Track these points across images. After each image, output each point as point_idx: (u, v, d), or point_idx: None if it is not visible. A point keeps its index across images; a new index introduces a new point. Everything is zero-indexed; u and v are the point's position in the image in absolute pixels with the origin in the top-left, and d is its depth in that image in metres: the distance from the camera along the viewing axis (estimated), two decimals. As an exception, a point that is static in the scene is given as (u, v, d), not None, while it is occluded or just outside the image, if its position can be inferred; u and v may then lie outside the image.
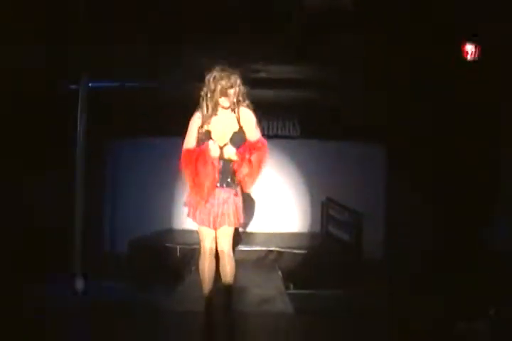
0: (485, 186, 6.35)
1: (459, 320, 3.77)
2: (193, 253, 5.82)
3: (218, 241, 3.48)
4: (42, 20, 4.79)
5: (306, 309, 4.19)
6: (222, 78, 3.26)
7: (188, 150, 3.37)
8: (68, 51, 5.34)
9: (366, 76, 6.03)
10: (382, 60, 5.53)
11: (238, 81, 3.31)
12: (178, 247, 5.84)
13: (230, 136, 3.36)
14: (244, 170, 3.32)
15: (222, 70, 3.29)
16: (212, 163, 3.29)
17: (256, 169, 3.38)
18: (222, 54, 5.14)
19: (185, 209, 3.49)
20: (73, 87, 5.80)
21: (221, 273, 3.52)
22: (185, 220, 7.58)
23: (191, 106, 3.48)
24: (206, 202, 3.32)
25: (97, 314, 3.97)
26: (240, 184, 3.42)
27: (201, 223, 3.41)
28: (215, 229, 3.41)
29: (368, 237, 6.85)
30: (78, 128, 5.26)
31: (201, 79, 3.39)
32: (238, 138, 3.36)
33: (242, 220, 3.48)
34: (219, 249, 3.49)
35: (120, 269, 5.97)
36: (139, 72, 6.15)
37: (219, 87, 3.25)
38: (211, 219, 3.36)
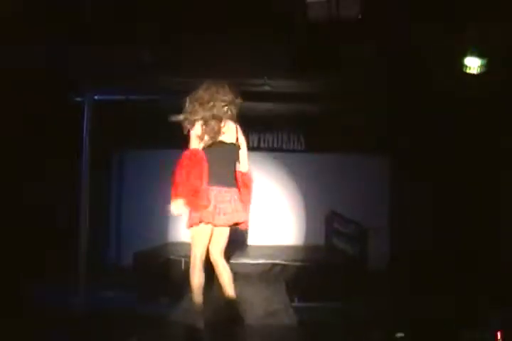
0: (489, 198, 6.33)
1: (464, 330, 3.75)
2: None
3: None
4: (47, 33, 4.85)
5: (311, 322, 4.17)
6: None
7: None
8: (74, 64, 5.40)
9: (370, 89, 6.06)
10: (385, 73, 5.56)
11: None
12: (183, 260, 5.81)
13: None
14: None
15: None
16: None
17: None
18: (225, 67, 5.20)
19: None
20: (78, 99, 5.87)
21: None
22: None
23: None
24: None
25: (101, 325, 3.97)
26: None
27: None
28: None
29: (372, 250, 6.84)
30: (83, 141, 5.32)
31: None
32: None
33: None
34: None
35: (125, 281, 5.96)
36: (143, 86, 6.21)
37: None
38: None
